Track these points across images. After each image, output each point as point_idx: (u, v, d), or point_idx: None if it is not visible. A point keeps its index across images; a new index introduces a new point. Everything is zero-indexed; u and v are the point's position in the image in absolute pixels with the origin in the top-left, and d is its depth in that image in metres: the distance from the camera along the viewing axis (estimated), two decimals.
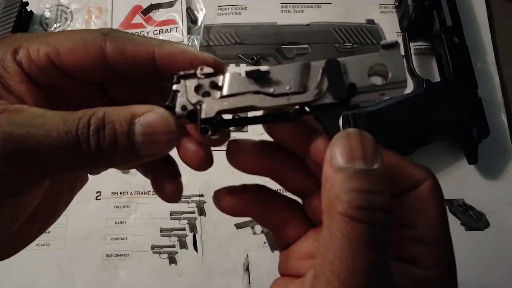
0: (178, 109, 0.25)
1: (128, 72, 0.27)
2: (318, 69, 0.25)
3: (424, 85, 0.57)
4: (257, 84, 0.25)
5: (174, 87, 0.26)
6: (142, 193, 0.59)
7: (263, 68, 0.25)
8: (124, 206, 0.59)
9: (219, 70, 0.26)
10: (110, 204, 0.59)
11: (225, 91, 0.25)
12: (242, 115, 0.27)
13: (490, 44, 0.64)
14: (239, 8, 0.68)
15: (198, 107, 0.25)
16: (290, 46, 0.65)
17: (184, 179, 0.64)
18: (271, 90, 0.25)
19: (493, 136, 0.58)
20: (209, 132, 0.25)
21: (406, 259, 0.24)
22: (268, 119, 0.27)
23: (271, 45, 0.65)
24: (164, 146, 0.24)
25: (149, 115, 0.24)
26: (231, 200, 0.28)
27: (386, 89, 0.25)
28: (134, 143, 0.23)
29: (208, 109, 0.25)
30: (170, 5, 0.68)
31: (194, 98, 0.25)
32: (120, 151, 0.23)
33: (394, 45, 0.25)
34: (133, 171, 0.60)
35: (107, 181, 0.60)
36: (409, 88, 0.60)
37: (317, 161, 0.25)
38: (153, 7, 0.68)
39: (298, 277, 0.27)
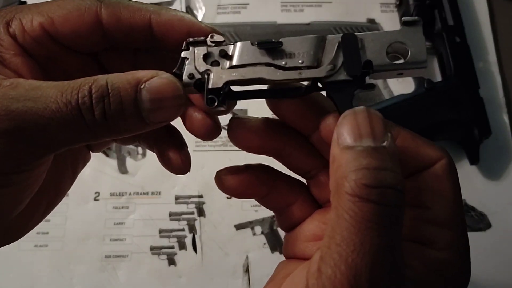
0: (185, 77, 0.25)
1: (124, 39, 0.26)
2: (334, 43, 0.24)
3: (425, 85, 0.57)
4: (268, 56, 0.24)
5: (183, 54, 0.25)
6: (141, 193, 0.59)
7: (276, 39, 0.24)
8: (123, 207, 0.59)
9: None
10: (109, 205, 0.59)
11: (234, 61, 0.24)
12: (251, 87, 0.26)
13: (491, 44, 0.64)
14: (238, 7, 0.67)
15: (206, 76, 0.24)
16: None
17: (183, 180, 0.63)
18: (283, 62, 0.24)
19: (494, 136, 0.57)
20: (216, 103, 0.24)
21: (418, 241, 0.23)
22: (279, 93, 0.26)
23: None
24: (172, 112, 0.24)
25: (155, 80, 0.23)
26: (234, 180, 0.28)
27: (404, 68, 0.23)
28: (141, 109, 0.23)
29: (216, 78, 0.24)
30: (169, 4, 0.68)
31: (202, 66, 0.25)
32: (126, 119, 0.23)
33: (416, 22, 0.24)
34: (132, 171, 0.60)
35: (106, 181, 0.59)
36: (410, 87, 0.59)
37: (328, 141, 0.24)
38: None
39: (304, 259, 0.27)
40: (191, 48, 0.25)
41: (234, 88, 0.26)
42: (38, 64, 0.26)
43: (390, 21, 0.66)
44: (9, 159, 0.22)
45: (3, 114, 0.21)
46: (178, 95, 0.23)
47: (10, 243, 0.27)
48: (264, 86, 0.26)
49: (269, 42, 0.24)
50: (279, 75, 0.24)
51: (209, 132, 0.28)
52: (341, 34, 0.24)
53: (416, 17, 0.23)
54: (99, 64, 0.29)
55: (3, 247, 0.27)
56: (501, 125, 0.60)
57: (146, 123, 0.23)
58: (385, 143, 0.21)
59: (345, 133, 0.21)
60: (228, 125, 0.27)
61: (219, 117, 0.29)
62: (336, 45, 0.24)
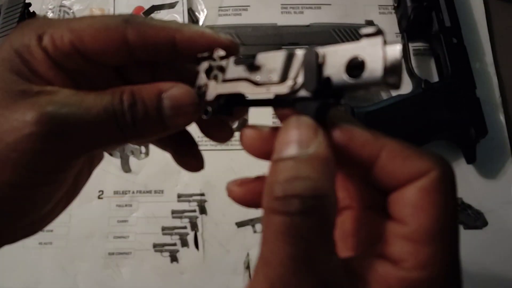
0: (195, 89, 0.27)
1: (148, 56, 0.27)
2: (299, 59, 0.23)
3: (422, 85, 0.57)
4: (247, 71, 0.25)
5: (197, 68, 0.27)
6: (144, 192, 0.60)
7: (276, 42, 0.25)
8: (126, 205, 0.59)
9: (235, 50, 0.27)
10: (112, 203, 0.60)
11: (226, 75, 0.26)
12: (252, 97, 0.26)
13: (488, 45, 0.65)
14: (239, 9, 0.68)
15: (204, 89, 0.27)
16: (290, 47, 0.66)
17: (185, 178, 0.64)
18: (257, 78, 0.24)
19: (491, 136, 0.58)
20: (207, 115, 0.26)
21: (388, 258, 0.22)
22: (277, 103, 0.25)
23: (272, 46, 0.66)
24: (190, 117, 0.26)
25: (175, 90, 0.26)
26: (244, 190, 0.28)
27: (360, 85, 0.21)
28: (163, 116, 0.26)
29: (210, 91, 0.26)
30: (171, 6, 0.69)
31: (203, 80, 0.27)
32: (151, 124, 0.26)
33: (375, 34, 0.20)
34: (135, 170, 0.61)
35: (109, 180, 0.60)
36: (408, 88, 0.60)
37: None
38: (154, 8, 0.69)
39: None
40: (201, 63, 0.27)
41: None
42: (68, 76, 0.27)
43: (388, 23, 0.66)
44: (52, 159, 0.24)
45: (51, 117, 0.23)
46: (194, 102, 0.26)
47: (29, 236, 0.29)
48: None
49: (243, 58, 0.25)
50: (251, 90, 0.24)
51: (223, 136, 0.30)
52: (305, 50, 0.22)
53: (375, 27, 0.21)
54: (122, 75, 0.30)
55: (7, 245, 0.28)
56: (497, 125, 0.61)
57: (167, 127, 0.26)
58: (309, 149, 0.20)
59: (277, 146, 0.21)
60: (241, 133, 0.28)
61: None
62: (301, 61, 0.22)
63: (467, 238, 0.56)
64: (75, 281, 0.56)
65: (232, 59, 0.26)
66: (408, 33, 0.63)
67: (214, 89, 0.26)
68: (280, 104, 0.25)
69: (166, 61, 0.29)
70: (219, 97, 0.26)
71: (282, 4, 0.68)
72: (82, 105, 0.24)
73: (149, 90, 0.26)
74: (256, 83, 0.24)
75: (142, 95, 0.25)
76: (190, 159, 0.31)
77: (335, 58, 0.21)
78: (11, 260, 0.57)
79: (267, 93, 0.23)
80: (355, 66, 0.21)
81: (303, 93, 0.22)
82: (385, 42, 0.20)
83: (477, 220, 0.57)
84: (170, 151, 0.32)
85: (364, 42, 0.21)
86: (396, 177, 0.22)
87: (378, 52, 0.20)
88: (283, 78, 0.23)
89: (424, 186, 0.21)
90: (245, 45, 0.66)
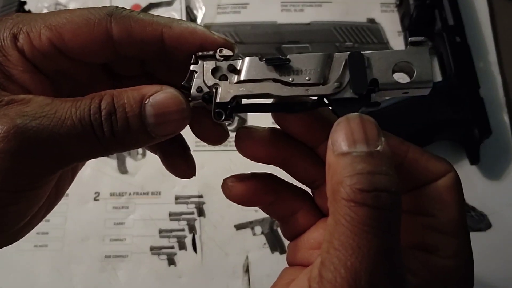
0: (193, 90, 0.25)
1: (135, 53, 0.26)
2: (340, 61, 0.24)
3: None
4: (276, 72, 0.25)
5: (192, 67, 0.25)
6: (141, 193, 0.59)
7: (284, 56, 0.25)
8: (122, 207, 0.59)
9: (230, 50, 0.26)
10: (109, 205, 0.59)
11: (242, 76, 0.25)
12: (257, 101, 0.26)
13: (492, 43, 0.64)
14: (238, 7, 0.67)
15: (213, 90, 0.25)
16: (290, 45, 0.65)
17: (183, 180, 0.63)
18: (290, 79, 0.24)
19: (495, 136, 0.57)
20: (223, 117, 0.25)
21: (424, 248, 0.24)
22: (285, 108, 0.26)
23: (271, 44, 0.65)
24: (177, 125, 0.24)
25: (159, 95, 0.23)
26: (240, 187, 0.28)
27: (410, 88, 0.24)
28: (147, 125, 0.23)
29: (224, 93, 0.25)
30: (169, 4, 0.68)
31: (211, 80, 0.25)
32: (133, 134, 0.23)
33: (422, 43, 0.24)
34: (132, 171, 0.60)
35: (106, 181, 0.59)
36: None
37: None
38: (152, 6, 0.68)
39: (308, 266, 0.27)
40: (200, 61, 0.25)
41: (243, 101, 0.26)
42: (47, 78, 0.25)
43: (390, 21, 0.66)
44: (24, 178, 0.22)
45: (20, 132, 0.21)
46: (182, 108, 0.24)
47: (9, 245, 0.27)
48: (270, 100, 0.26)
49: (277, 58, 0.25)
50: (285, 91, 0.24)
51: (218, 139, 0.28)
52: (348, 52, 0.24)
53: (423, 37, 0.24)
54: (108, 71, 0.28)
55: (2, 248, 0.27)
56: (501, 125, 0.60)
57: (152, 137, 0.24)
58: (379, 148, 0.21)
59: (339, 140, 0.22)
60: (236, 135, 0.27)
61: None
62: (343, 63, 0.24)
63: (471, 241, 0.55)
64: (71, 284, 0.55)
65: (248, 60, 0.25)
66: (410, 31, 0.62)
67: (227, 90, 0.25)
68: (299, 106, 0.25)
69: (155, 58, 0.27)
70: (233, 99, 0.25)
71: (282, 2, 0.67)
72: (56, 116, 0.22)
73: (131, 96, 0.23)
74: (289, 84, 0.24)
75: (123, 102, 0.23)
76: (181, 164, 0.29)
77: (381, 62, 0.24)
78: (5, 263, 0.56)
79: (307, 93, 0.24)
80: (399, 71, 0.24)
81: (348, 94, 0.24)
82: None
83: (481, 222, 0.57)
84: (158, 154, 0.30)
85: (411, 49, 0.24)
86: (420, 176, 0.25)
87: (426, 58, 0.23)
88: (323, 79, 0.24)
89: (448, 184, 0.24)
90: (244, 43, 0.65)
